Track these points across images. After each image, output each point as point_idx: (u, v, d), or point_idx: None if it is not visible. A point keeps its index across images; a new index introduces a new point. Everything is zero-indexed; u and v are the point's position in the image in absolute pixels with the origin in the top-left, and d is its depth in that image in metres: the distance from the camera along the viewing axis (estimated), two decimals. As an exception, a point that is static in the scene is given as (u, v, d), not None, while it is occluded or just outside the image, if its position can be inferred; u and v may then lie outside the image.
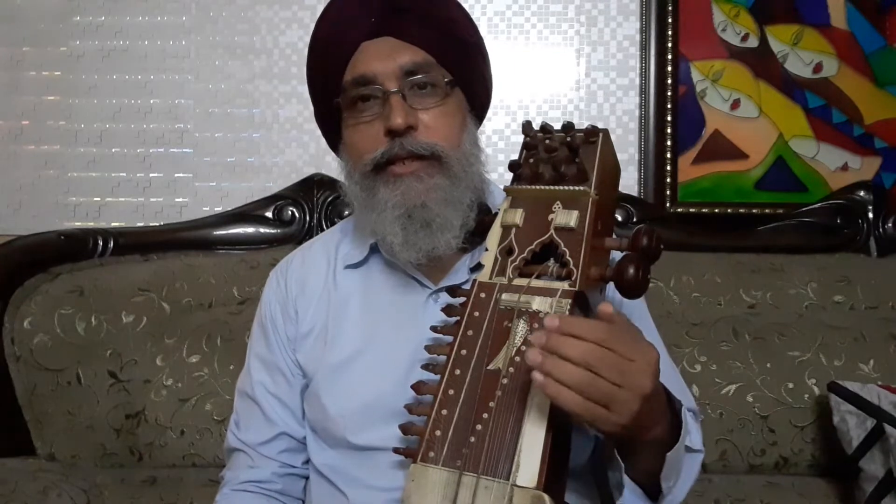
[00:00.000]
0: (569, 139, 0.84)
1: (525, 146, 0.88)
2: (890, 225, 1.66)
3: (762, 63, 1.80)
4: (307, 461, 1.12)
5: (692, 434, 0.99)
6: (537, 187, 0.86)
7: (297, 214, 1.67)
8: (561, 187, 0.84)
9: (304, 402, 1.11)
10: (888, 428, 1.28)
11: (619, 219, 1.65)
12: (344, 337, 1.07)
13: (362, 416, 1.02)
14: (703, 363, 1.45)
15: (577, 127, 0.86)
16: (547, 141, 0.87)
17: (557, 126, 0.87)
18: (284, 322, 1.12)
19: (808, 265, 1.59)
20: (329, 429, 1.05)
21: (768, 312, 1.52)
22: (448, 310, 0.87)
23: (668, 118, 1.79)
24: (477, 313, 0.83)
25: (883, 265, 1.62)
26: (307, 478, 1.13)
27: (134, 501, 1.40)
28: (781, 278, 1.56)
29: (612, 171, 0.89)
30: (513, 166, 0.88)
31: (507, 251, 0.85)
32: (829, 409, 1.37)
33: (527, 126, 0.88)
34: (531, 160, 0.87)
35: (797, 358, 1.44)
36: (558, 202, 0.84)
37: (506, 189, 0.89)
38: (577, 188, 0.84)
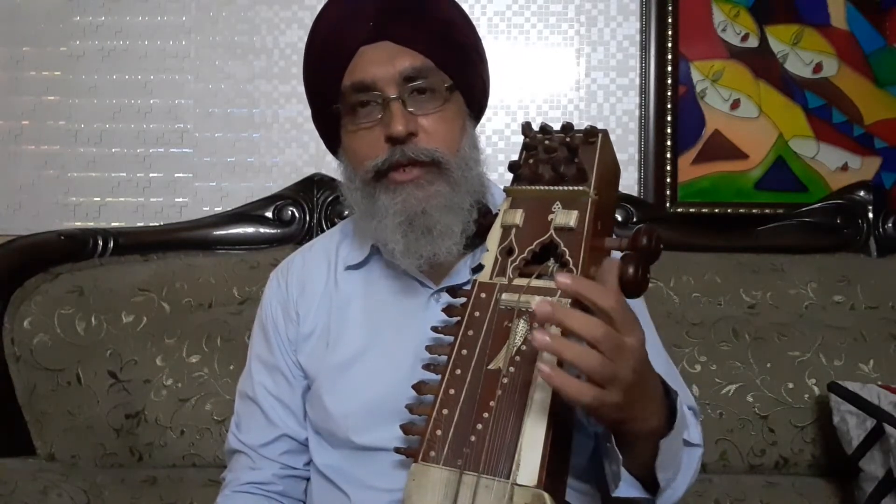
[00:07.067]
0: (568, 139, 0.83)
1: (525, 147, 0.88)
2: (890, 225, 1.66)
3: (762, 63, 1.79)
4: (308, 462, 1.12)
5: (690, 429, 0.98)
6: (537, 188, 0.85)
7: (297, 214, 1.67)
8: (560, 187, 0.84)
9: (307, 403, 1.11)
10: (888, 428, 1.28)
11: (619, 219, 1.64)
12: (346, 338, 1.07)
13: (365, 417, 1.02)
14: (703, 363, 1.44)
15: (576, 127, 0.85)
16: (546, 141, 0.86)
17: (557, 126, 0.87)
18: (286, 323, 1.11)
19: (808, 265, 1.59)
20: (332, 429, 1.05)
21: (768, 312, 1.52)
22: (449, 310, 0.87)
23: (668, 118, 1.79)
24: (477, 313, 0.82)
25: (883, 265, 1.62)
26: (308, 479, 1.13)
27: (134, 501, 1.40)
28: (781, 278, 1.56)
29: (611, 171, 0.89)
30: (512, 167, 0.87)
31: (507, 251, 0.84)
32: (829, 409, 1.37)
33: (526, 127, 0.87)
34: (531, 161, 0.86)
35: (797, 358, 1.44)
36: (558, 202, 0.84)
37: (506, 189, 0.88)
38: (576, 188, 0.83)
